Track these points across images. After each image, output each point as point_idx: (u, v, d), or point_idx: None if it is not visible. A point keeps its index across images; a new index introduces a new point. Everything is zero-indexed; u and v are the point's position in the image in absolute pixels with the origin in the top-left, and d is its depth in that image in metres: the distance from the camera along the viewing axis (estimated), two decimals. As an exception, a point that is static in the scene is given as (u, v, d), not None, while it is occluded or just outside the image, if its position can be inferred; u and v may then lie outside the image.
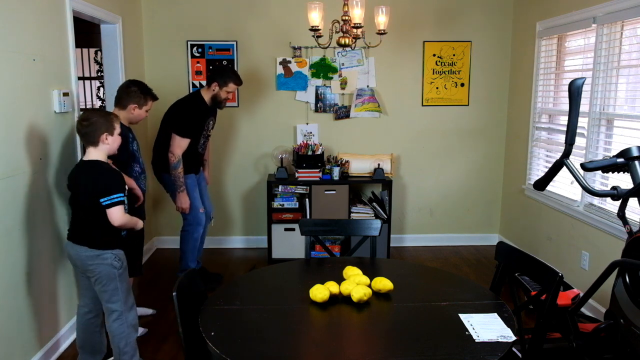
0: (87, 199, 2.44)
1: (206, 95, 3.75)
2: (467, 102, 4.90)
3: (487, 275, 4.26)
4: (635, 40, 3.30)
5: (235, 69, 4.71)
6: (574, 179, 2.63)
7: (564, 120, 4.07)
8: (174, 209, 4.90)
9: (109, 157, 2.60)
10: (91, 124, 2.45)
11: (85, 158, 2.52)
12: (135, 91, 3.04)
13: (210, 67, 3.65)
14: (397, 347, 1.72)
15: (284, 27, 4.70)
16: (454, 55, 4.82)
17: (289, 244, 4.54)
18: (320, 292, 1.97)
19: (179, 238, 3.98)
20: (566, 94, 2.74)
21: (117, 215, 2.43)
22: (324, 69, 4.76)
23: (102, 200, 2.40)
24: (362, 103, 4.80)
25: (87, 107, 6.61)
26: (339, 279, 2.13)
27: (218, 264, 4.58)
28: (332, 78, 4.78)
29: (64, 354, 3.01)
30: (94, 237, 2.49)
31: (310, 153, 4.52)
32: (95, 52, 6.29)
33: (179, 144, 3.64)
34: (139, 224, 2.61)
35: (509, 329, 1.77)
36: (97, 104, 6.56)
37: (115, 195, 2.42)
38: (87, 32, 4.98)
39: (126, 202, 2.52)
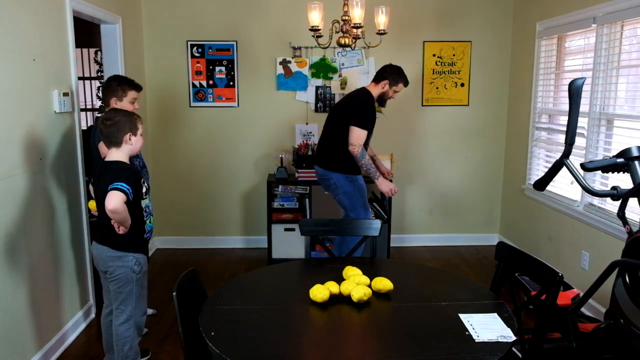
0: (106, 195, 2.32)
1: (374, 91, 3.78)
2: (467, 102, 4.90)
3: (487, 275, 4.26)
4: (635, 40, 3.30)
5: (235, 69, 4.72)
6: (574, 179, 2.63)
7: (564, 120, 4.07)
8: (174, 208, 4.94)
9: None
10: (115, 123, 2.36)
11: (107, 159, 2.43)
12: (112, 85, 2.97)
13: (382, 65, 3.75)
14: (397, 347, 1.72)
15: (284, 27, 4.70)
16: (454, 55, 4.82)
17: (289, 244, 4.53)
18: (320, 292, 1.97)
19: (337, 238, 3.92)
20: (566, 94, 2.73)
21: (113, 198, 2.23)
22: (324, 69, 4.76)
23: (109, 186, 2.27)
24: (362, 103, 4.80)
25: (87, 107, 6.61)
26: (339, 279, 2.13)
27: (218, 264, 4.58)
28: (332, 78, 4.78)
29: (64, 354, 3.02)
30: (116, 238, 2.42)
31: (310, 153, 4.51)
32: (95, 52, 6.31)
33: (359, 135, 3.62)
34: (127, 223, 2.40)
35: (509, 329, 1.77)
36: (97, 104, 6.57)
37: (121, 183, 2.26)
38: (87, 32, 4.99)
39: (131, 196, 2.34)
